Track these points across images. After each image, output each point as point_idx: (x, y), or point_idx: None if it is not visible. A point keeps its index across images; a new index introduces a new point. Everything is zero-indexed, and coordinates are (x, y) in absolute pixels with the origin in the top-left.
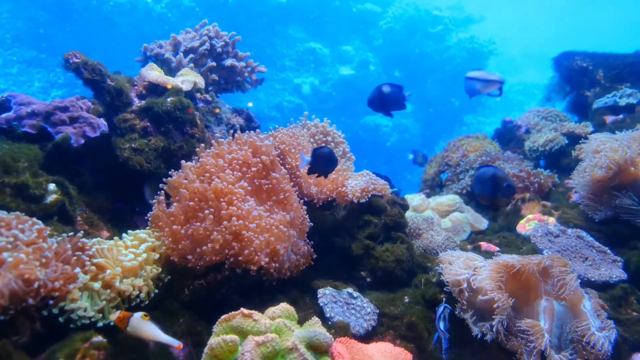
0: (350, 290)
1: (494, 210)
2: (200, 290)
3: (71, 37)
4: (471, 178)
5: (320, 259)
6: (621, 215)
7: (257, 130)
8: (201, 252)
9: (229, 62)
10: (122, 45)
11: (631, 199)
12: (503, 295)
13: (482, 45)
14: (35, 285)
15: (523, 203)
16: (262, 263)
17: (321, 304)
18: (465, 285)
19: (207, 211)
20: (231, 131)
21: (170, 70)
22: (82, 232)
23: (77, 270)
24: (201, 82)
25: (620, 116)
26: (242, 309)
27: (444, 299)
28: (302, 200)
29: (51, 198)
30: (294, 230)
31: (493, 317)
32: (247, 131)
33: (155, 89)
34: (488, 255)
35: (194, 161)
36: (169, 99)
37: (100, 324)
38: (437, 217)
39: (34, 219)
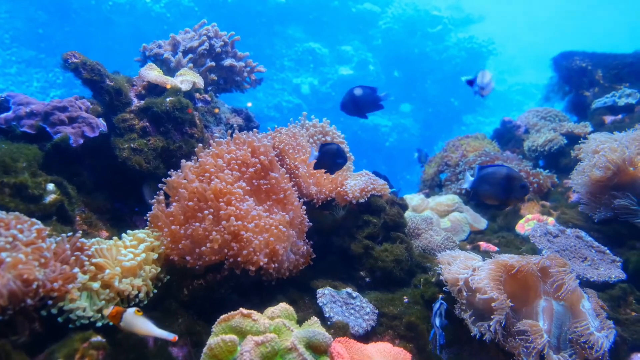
0: (349, 290)
1: (501, 209)
2: (199, 290)
3: (70, 37)
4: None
5: (320, 259)
6: (620, 216)
7: (255, 130)
8: (200, 252)
9: (228, 62)
10: (121, 45)
11: (630, 199)
12: (502, 295)
13: (481, 45)
14: (34, 285)
15: (522, 203)
16: (261, 263)
17: (320, 304)
18: (463, 285)
19: (206, 211)
20: (229, 131)
21: (169, 70)
22: (80, 232)
23: (76, 270)
24: (200, 82)
25: (619, 116)
26: (241, 308)
27: (440, 295)
28: (301, 200)
29: (50, 198)
30: (293, 230)
31: (492, 316)
32: (245, 131)
33: (154, 89)
34: (487, 255)
35: (192, 161)
36: (168, 99)
37: (99, 323)
38: (436, 217)
39: (33, 219)
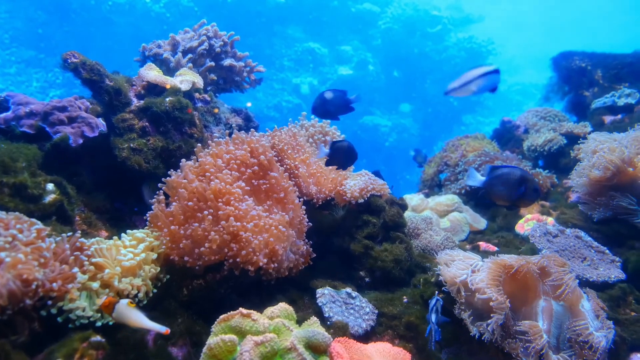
0: (349, 290)
1: (510, 209)
2: (199, 290)
3: (70, 37)
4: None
5: (319, 259)
6: (619, 215)
7: (252, 130)
8: (200, 252)
9: (227, 62)
10: (121, 45)
11: (629, 199)
12: (501, 295)
13: (481, 45)
14: (34, 285)
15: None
16: (261, 264)
17: (320, 304)
18: (462, 285)
19: (205, 212)
20: (227, 131)
21: (169, 70)
22: (80, 232)
23: (76, 270)
24: (200, 82)
25: (619, 116)
26: (240, 308)
27: (436, 292)
28: (301, 200)
29: (50, 198)
30: (292, 230)
31: (491, 316)
32: (243, 131)
33: (153, 89)
34: (487, 255)
35: (192, 161)
36: (167, 99)
37: (98, 323)
38: (436, 217)
39: (33, 219)
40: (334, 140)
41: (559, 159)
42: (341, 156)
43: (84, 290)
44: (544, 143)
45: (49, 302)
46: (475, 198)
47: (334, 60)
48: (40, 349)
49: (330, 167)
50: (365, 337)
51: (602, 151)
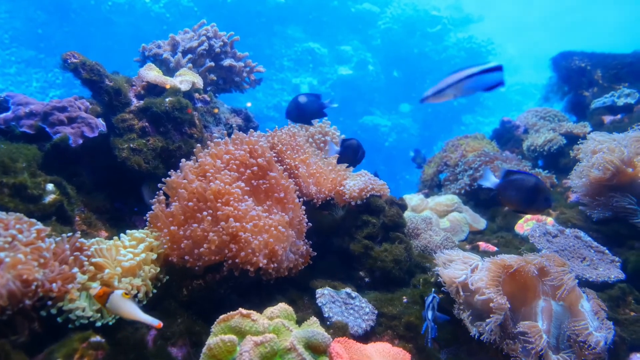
0: (348, 290)
1: (518, 212)
2: (198, 290)
3: (69, 37)
4: (470, 178)
5: (319, 259)
6: (619, 214)
7: (251, 130)
8: (199, 253)
9: (227, 62)
10: (121, 45)
11: (629, 198)
12: (500, 296)
13: (481, 45)
14: (34, 285)
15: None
16: (261, 264)
17: (320, 304)
18: (461, 286)
19: (204, 212)
20: (225, 132)
21: (169, 70)
22: (80, 232)
23: (75, 270)
24: (200, 82)
25: (619, 116)
26: (240, 309)
27: (433, 289)
28: (300, 200)
29: (49, 198)
30: (292, 230)
31: (491, 316)
32: (241, 132)
33: (153, 89)
34: (486, 255)
35: (192, 161)
36: (167, 99)
37: (98, 323)
38: (436, 217)
39: (33, 220)
40: (343, 138)
41: (558, 159)
42: (351, 153)
43: (84, 290)
44: (543, 143)
45: (49, 303)
46: (475, 198)
47: (333, 60)
48: (40, 349)
49: (329, 168)
50: (365, 337)
51: (601, 151)
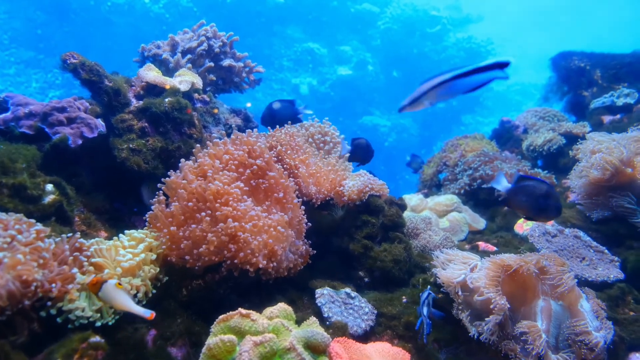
0: (348, 290)
1: (528, 218)
2: (198, 291)
3: (69, 37)
4: (469, 178)
5: (319, 259)
6: (618, 214)
7: (249, 131)
8: (199, 253)
9: (226, 62)
10: (120, 45)
11: (629, 197)
12: (499, 296)
13: (480, 45)
14: (33, 286)
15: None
16: (260, 265)
17: (319, 304)
18: (459, 287)
19: (203, 213)
20: (225, 132)
21: (168, 70)
22: (79, 232)
23: (75, 270)
24: (199, 83)
25: (618, 116)
26: (240, 309)
27: (428, 286)
28: (300, 200)
29: (49, 199)
30: (292, 230)
31: (490, 316)
32: (240, 132)
33: (153, 90)
34: (486, 255)
35: (191, 161)
36: (166, 100)
37: (98, 323)
38: (435, 217)
39: (32, 220)
40: (353, 138)
41: (558, 159)
42: (361, 152)
43: (84, 290)
44: (543, 143)
45: (49, 303)
46: (474, 198)
47: (333, 60)
48: (40, 349)
49: (329, 168)
50: (365, 337)
51: (600, 152)
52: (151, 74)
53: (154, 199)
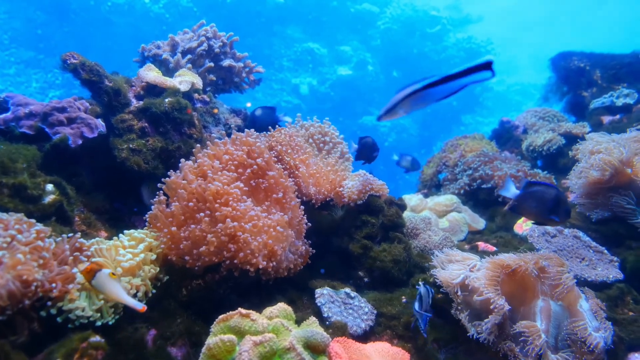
0: (347, 290)
1: (537, 223)
2: (198, 290)
3: (69, 37)
4: (469, 178)
5: (319, 259)
6: (617, 214)
7: (248, 131)
8: (199, 253)
9: (226, 62)
10: (120, 45)
11: (628, 198)
12: (499, 296)
13: (480, 46)
14: (33, 286)
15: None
16: (260, 265)
17: (319, 304)
18: (458, 287)
19: (202, 213)
20: (225, 132)
21: (168, 70)
22: (79, 232)
23: (75, 270)
24: (199, 83)
25: (617, 116)
26: (239, 308)
27: (422, 282)
28: (300, 200)
29: (49, 198)
30: (291, 230)
31: (490, 316)
32: (240, 132)
33: (153, 90)
34: (485, 255)
35: (191, 161)
36: (166, 100)
37: (98, 323)
38: (435, 217)
39: (32, 220)
40: (360, 137)
41: (557, 159)
42: (367, 150)
43: (84, 290)
44: (542, 143)
45: (49, 303)
46: (474, 198)
47: (333, 60)
48: (40, 349)
49: (329, 168)
50: (364, 337)
51: (600, 152)
52: (151, 74)
53: (154, 199)
